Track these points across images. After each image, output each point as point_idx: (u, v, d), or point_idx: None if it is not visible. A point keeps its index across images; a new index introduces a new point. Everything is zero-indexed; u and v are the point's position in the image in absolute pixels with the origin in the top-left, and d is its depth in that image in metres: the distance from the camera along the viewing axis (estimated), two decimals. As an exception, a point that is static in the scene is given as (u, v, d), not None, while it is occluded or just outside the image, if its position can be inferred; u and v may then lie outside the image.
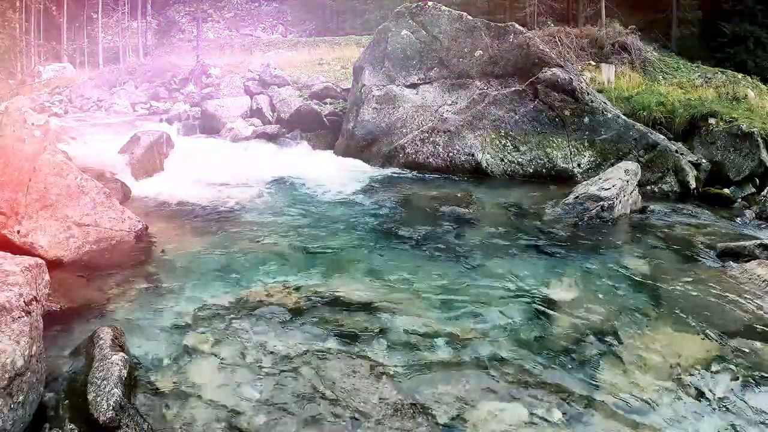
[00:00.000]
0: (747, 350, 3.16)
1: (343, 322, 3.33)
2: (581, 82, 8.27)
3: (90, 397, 2.42)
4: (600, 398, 2.70)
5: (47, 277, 2.78)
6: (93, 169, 6.14)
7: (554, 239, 5.04)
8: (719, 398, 2.73)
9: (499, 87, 8.44)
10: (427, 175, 7.98)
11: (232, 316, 3.39)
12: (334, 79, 13.77)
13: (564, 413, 2.58)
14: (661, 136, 7.80)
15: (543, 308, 3.59)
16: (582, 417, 2.57)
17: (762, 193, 6.65)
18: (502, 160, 7.91)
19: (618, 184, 5.84)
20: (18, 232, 4.22)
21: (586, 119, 7.83)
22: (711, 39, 22.17)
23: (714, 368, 2.97)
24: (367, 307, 3.53)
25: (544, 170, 7.73)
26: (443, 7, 9.40)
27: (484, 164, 7.92)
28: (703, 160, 7.82)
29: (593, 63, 13.15)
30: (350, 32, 25.68)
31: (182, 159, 8.12)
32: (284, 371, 2.84)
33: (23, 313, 2.32)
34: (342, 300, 3.62)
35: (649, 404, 2.66)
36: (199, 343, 3.07)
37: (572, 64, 12.06)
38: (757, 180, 7.62)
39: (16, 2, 21.18)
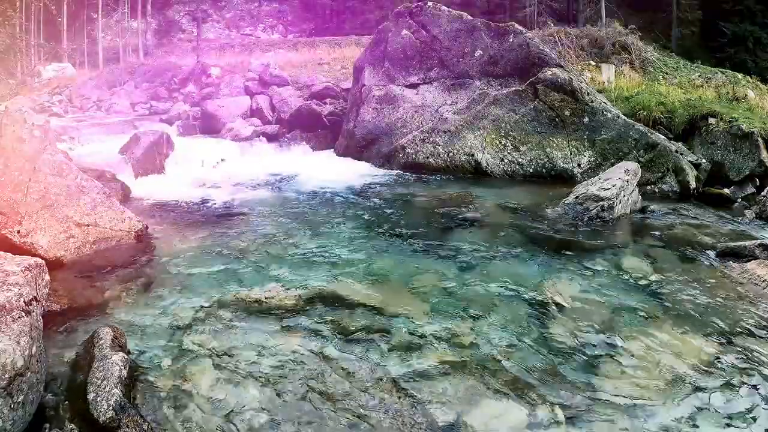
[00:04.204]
0: (747, 350, 3.15)
1: (343, 322, 3.33)
2: (581, 82, 8.27)
3: (90, 397, 2.42)
4: (600, 398, 2.70)
5: (47, 277, 2.77)
6: (93, 169, 6.15)
7: (554, 239, 5.03)
8: (719, 398, 2.73)
9: (499, 87, 8.45)
10: (427, 175, 7.98)
11: (232, 316, 3.39)
12: (334, 79, 13.77)
13: (564, 413, 2.58)
14: (661, 136, 7.80)
15: (543, 308, 3.59)
16: (582, 417, 2.57)
17: (762, 193, 6.65)
18: (502, 160, 7.91)
19: (618, 184, 5.84)
20: (18, 232, 4.22)
21: (586, 119, 7.83)
22: (711, 39, 22.19)
23: (714, 368, 2.97)
24: (367, 307, 3.53)
25: (544, 170, 7.73)
26: (443, 7, 9.40)
27: (484, 164, 7.92)
28: (703, 160, 7.82)
29: (593, 63, 13.15)
30: (350, 32, 25.68)
31: (182, 159, 8.13)
32: (284, 371, 2.84)
33: (23, 313, 2.32)
34: (342, 300, 3.62)
35: (649, 404, 2.66)
36: (199, 343, 3.07)
37: (572, 64, 12.07)
38: (757, 180, 7.63)
39: (16, 2, 21.18)
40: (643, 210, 6.13)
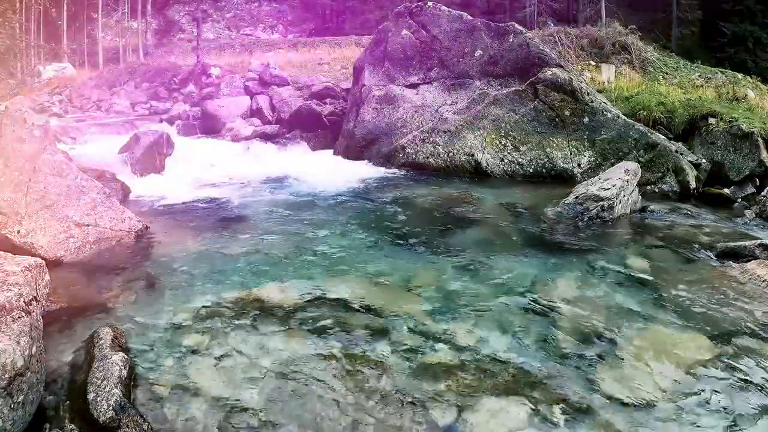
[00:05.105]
0: (747, 350, 3.15)
1: (342, 322, 3.33)
2: (581, 82, 8.27)
3: (90, 397, 2.42)
4: (600, 398, 2.70)
5: (47, 277, 2.78)
6: (93, 169, 6.16)
7: (554, 239, 5.03)
8: (719, 398, 2.73)
9: (499, 87, 8.44)
10: (427, 175, 7.98)
11: (232, 315, 3.39)
12: (334, 79, 13.78)
13: (564, 413, 2.58)
14: (661, 136, 7.80)
15: (543, 308, 3.59)
16: (582, 417, 2.57)
17: (762, 193, 6.65)
18: (502, 160, 7.91)
19: (618, 184, 5.84)
20: (18, 232, 4.23)
21: (586, 119, 7.83)
22: (711, 39, 22.20)
23: (714, 368, 2.97)
24: (367, 307, 3.53)
25: (544, 170, 7.73)
26: (443, 7, 9.40)
27: (484, 164, 7.92)
28: (703, 160, 7.82)
29: (593, 63, 13.16)
30: (350, 32, 25.69)
31: (182, 159, 8.13)
32: (284, 371, 2.84)
33: (23, 313, 2.32)
34: (342, 300, 3.62)
35: (649, 404, 2.66)
36: (199, 343, 3.07)
37: (572, 64, 12.08)
38: (757, 180, 7.63)
39: (16, 3, 21.18)
40: (643, 210, 6.13)
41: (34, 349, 2.32)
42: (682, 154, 7.61)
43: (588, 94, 8.04)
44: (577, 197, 5.84)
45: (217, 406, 2.57)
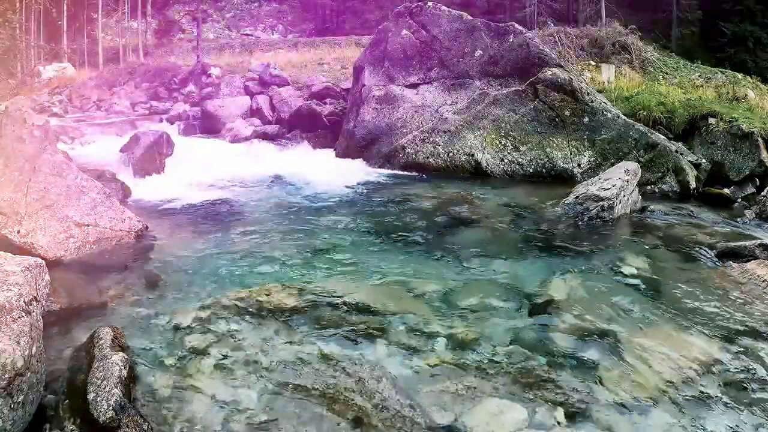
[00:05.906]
0: (747, 350, 3.15)
1: (343, 322, 3.33)
2: (581, 82, 8.27)
3: (90, 397, 2.42)
4: (600, 398, 2.70)
5: (47, 277, 2.78)
6: (93, 169, 6.16)
7: (554, 239, 5.03)
8: (719, 398, 2.73)
9: (499, 87, 8.44)
10: (427, 175, 7.98)
11: (232, 316, 3.39)
12: (334, 79, 13.78)
13: (564, 413, 2.58)
14: (661, 136, 7.80)
15: (543, 308, 3.59)
16: (582, 417, 2.57)
17: (762, 193, 6.65)
18: (502, 160, 7.91)
19: (618, 184, 5.84)
20: (18, 232, 4.23)
21: (586, 119, 7.83)
22: (711, 39, 22.21)
23: (714, 368, 2.97)
24: (367, 308, 3.53)
25: (544, 170, 7.72)
26: (443, 7, 9.40)
27: (484, 164, 7.92)
28: (703, 160, 7.82)
29: (593, 63, 13.16)
30: (350, 32, 25.70)
31: (182, 159, 8.12)
32: (284, 371, 2.84)
33: (23, 313, 2.32)
34: (342, 300, 3.62)
35: (649, 404, 2.66)
36: (199, 343, 3.07)
37: (572, 64, 12.07)
38: (757, 180, 7.63)
39: (16, 2, 21.18)
40: (643, 210, 6.13)
41: (34, 349, 2.32)
42: (682, 154, 7.61)
43: (588, 94, 8.04)
44: (577, 197, 5.84)
45: (217, 406, 2.57)
